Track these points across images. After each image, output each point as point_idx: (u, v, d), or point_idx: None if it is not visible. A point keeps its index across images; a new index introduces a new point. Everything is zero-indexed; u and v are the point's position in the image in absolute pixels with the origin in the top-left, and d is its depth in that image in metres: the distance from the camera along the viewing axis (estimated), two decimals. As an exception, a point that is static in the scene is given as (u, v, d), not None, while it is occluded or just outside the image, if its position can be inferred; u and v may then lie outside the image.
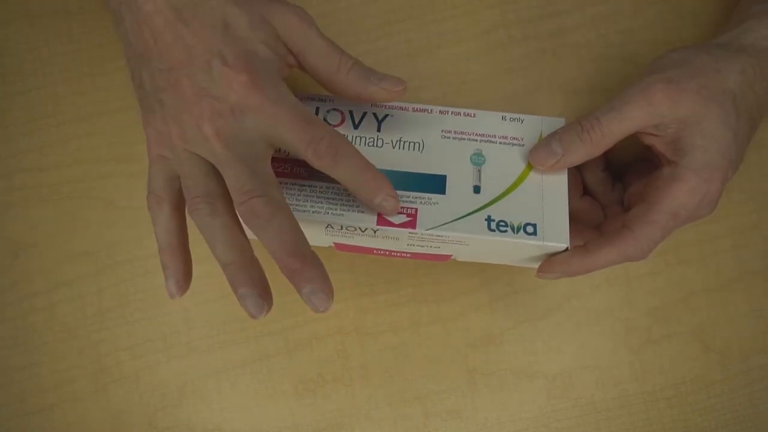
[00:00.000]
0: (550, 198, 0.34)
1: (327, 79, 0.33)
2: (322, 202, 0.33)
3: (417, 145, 0.35)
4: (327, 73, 0.33)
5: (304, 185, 0.34)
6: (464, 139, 0.36)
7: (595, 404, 0.43)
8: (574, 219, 0.38)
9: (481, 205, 0.34)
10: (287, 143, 0.31)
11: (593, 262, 0.34)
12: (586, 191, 0.40)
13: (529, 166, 0.35)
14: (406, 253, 0.37)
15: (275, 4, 0.32)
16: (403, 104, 0.36)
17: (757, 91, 0.34)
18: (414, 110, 0.36)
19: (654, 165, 0.38)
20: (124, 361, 0.42)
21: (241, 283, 0.30)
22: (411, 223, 0.33)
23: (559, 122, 0.36)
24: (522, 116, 0.36)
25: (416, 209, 0.33)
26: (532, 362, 0.43)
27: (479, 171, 0.35)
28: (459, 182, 0.34)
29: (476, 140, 0.35)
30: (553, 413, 0.43)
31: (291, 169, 0.34)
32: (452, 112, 0.36)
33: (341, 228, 0.34)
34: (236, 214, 0.31)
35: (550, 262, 0.35)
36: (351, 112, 0.36)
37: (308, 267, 0.29)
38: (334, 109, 0.36)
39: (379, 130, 0.36)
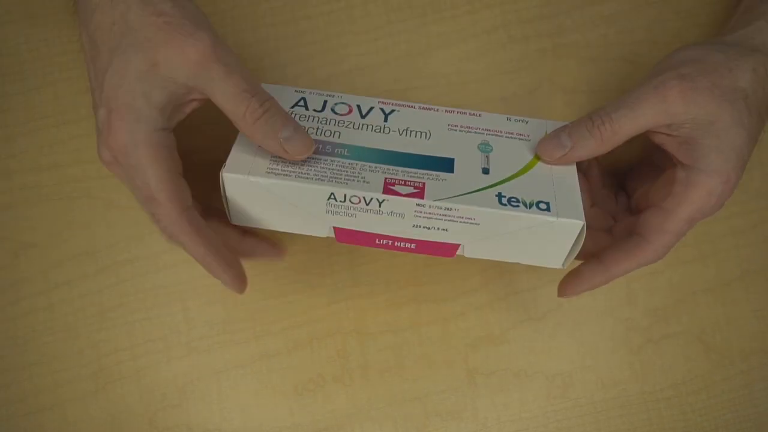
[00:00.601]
0: (560, 182, 0.33)
1: (234, 122, 0.32)
2: (325, 171, 0.33)
3: (424, 134, 0.35)
4: (233, 116, 0.31)
5: (309, 158, 0.33)
6: (471, 132, 0.36)
7: (595, 404, 0.43)
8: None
9: (491, 183, 0.33)
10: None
11: (613, 275, 0.35)
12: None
13: (536, 158, 0.35)
14: (411, 243, 0.36)
15: (173, 42, 0.30)
16: (408, 103, 0.37)
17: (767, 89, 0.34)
18: (420, 108, 0.36)
19: (656, 166, 0.37)
20: (124, 361, 0.42)
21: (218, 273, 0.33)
22: (419, 194, 0.32)
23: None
24: (527, 118, 0.37)
25: (424, 183, 0.32)
26: (532, 362, 0.43)
27: (487, 157, 0.34)
28: (467, 164, 0.34)
29: (482, 133, 0.35)
30: (553, 413, 0.43)
31: None
32: (458, 111, 0.37)
33: (345, 200, 0.32)
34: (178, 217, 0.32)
35: (571, 283, 0.35)
36: (359, 106, 0.36)
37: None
38: (342, 103, 0.36)
39: (386, 121, 0.36)
